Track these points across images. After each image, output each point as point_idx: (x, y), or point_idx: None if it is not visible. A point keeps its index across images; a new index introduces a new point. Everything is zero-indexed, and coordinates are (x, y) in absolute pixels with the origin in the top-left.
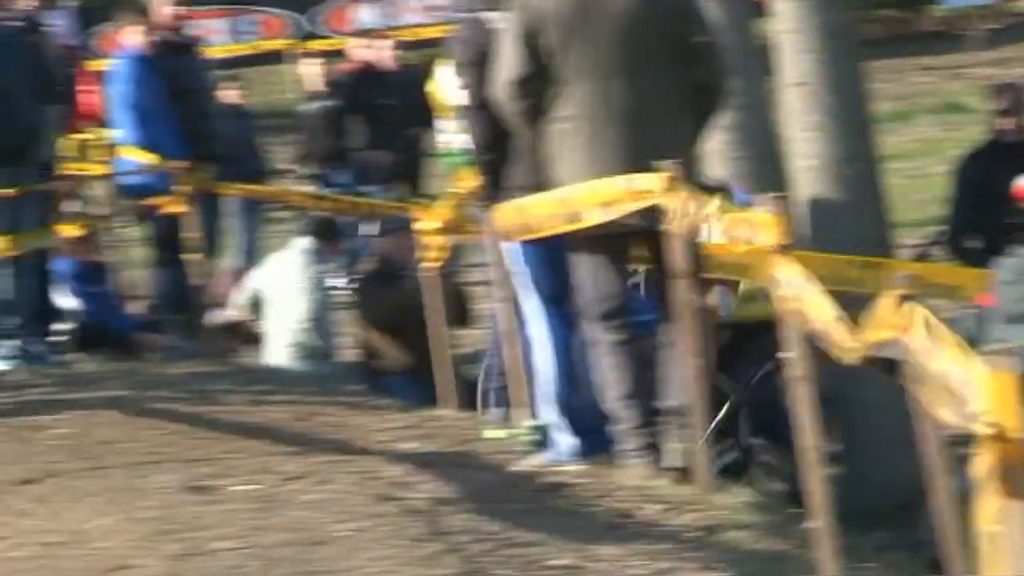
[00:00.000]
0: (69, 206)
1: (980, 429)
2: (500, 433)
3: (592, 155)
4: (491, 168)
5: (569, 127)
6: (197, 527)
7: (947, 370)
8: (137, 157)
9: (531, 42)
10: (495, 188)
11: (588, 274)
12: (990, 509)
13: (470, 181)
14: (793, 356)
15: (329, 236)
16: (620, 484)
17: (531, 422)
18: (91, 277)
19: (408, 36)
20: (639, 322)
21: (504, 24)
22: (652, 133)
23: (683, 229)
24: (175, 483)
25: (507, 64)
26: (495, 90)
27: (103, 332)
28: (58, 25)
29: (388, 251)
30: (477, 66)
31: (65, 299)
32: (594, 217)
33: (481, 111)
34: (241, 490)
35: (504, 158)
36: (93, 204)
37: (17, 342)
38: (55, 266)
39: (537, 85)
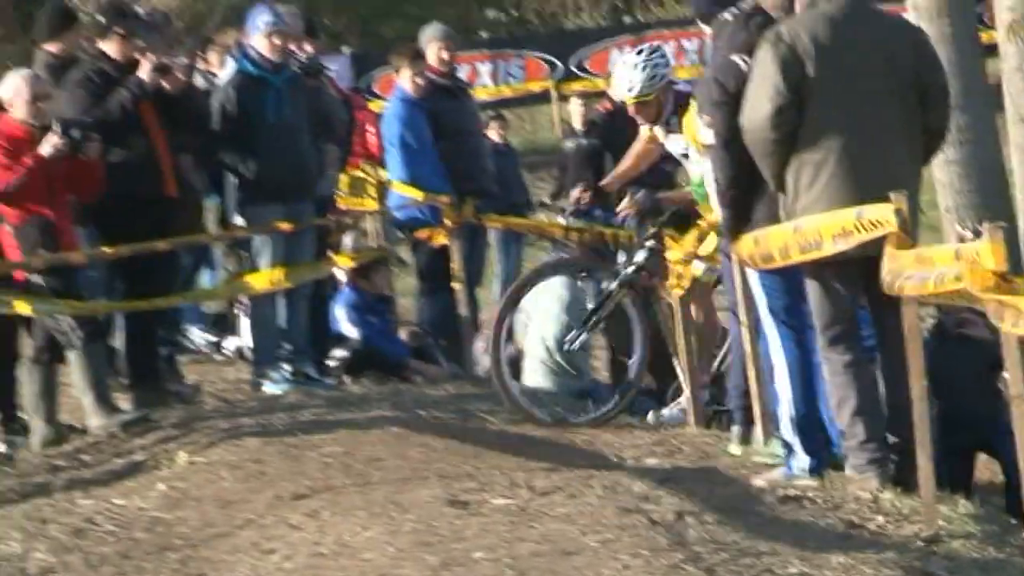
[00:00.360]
0: (345, 239)
1: None
2: (740, 450)
3: (837, 185)
4: (735, 202)
5: (818, 157)
6: (456, 539)
7: None
8: (406, 193)
9: (789, 74)
10: (737, 220)
11: (821, 299)
12: None
13: (713, 214)
14: (1014, 376)
15: (584, 265)
16: (850, 496)
17: (770, 440)
18: (370, 307)
19: None
20: (867, 345)
21: (755, 63)
22: (891, 166)
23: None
24: (436, 498)
25: (766, 95)
26: (747, 123)
27: (377, 358)
28: (335, 70)
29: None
30: (724, 105)
31: (346, 327)
32: (829, 247)
33: (727, 148)
34: (498, 504)
35: (746, 192)
36: (367, 238)
37: (290, 367)
38: (340, 296)
39: (792, 116)
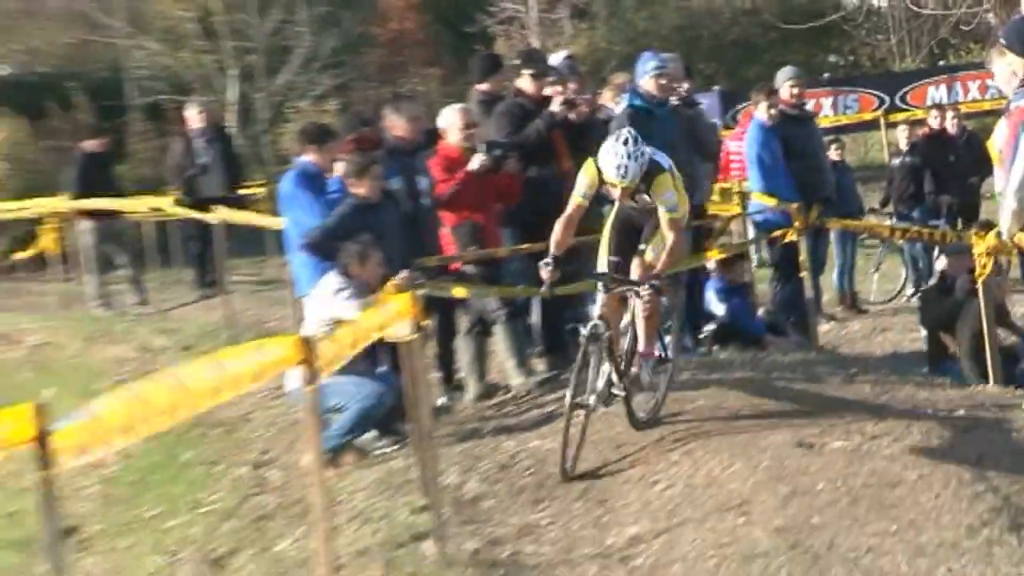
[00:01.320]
0: (717, 237)
1: None
2: None
3: None
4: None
5: None
6: (802, 473)
7: None
8: (764, 201)
9: None
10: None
11: None
12: None
13: (1014, 221)
14: None
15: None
16: None
17: None
18: (734, 291)
19: (969, 108)
20: None
21: None
22: None
23: None
24: (786, 441)
25: None
26: None
27: (739, 332)
28: (707, 104)
29: (949, 268)
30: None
31: (715, 306)
32: None
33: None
34: (837, 445)
35: None
36: (732, 236)
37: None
38: (710, 282)
39: None
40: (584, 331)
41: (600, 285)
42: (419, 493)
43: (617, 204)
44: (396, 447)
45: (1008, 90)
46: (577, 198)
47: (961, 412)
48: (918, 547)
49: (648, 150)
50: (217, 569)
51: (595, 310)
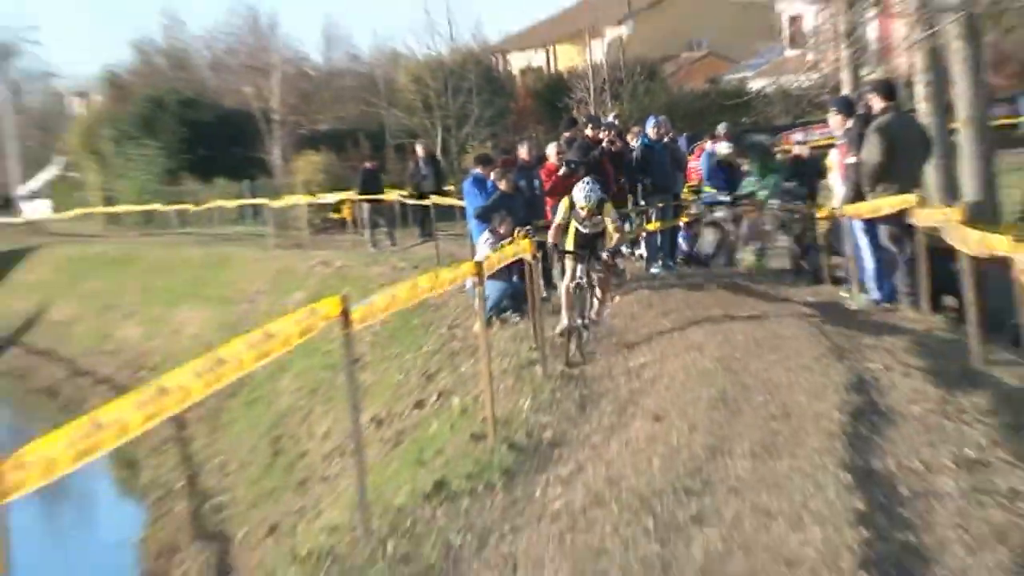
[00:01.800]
0: (684, 210)
1: None
2: (850, 296)
3: (893, 191)
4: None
5: (889, 178)
6: (729, 330)
7: None
8: (708, 191)
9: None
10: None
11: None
12: None
13: (842, 201)
14: None
15: None
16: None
17: (859, 292)
18: (691, 238)
19: (816, 143)
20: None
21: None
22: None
23: None
24: (720, 312)
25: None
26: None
27: (693, 259)
28: (680, 142)
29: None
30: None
31: (683, 245)
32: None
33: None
34: (746, 314)
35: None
36: (691, 209)
37: (659, 261)
38: (680, 233)
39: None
40: (574, 283)
41: (575, 258)
42: (532, 341)
43: (577, 222)
44: (519, 317)
45: (837, 133)
46: (559, 219)
47: (811, 299)
48: (790, 368)
49: (598, 189)
50: (428, 380)
51: (578, 272)
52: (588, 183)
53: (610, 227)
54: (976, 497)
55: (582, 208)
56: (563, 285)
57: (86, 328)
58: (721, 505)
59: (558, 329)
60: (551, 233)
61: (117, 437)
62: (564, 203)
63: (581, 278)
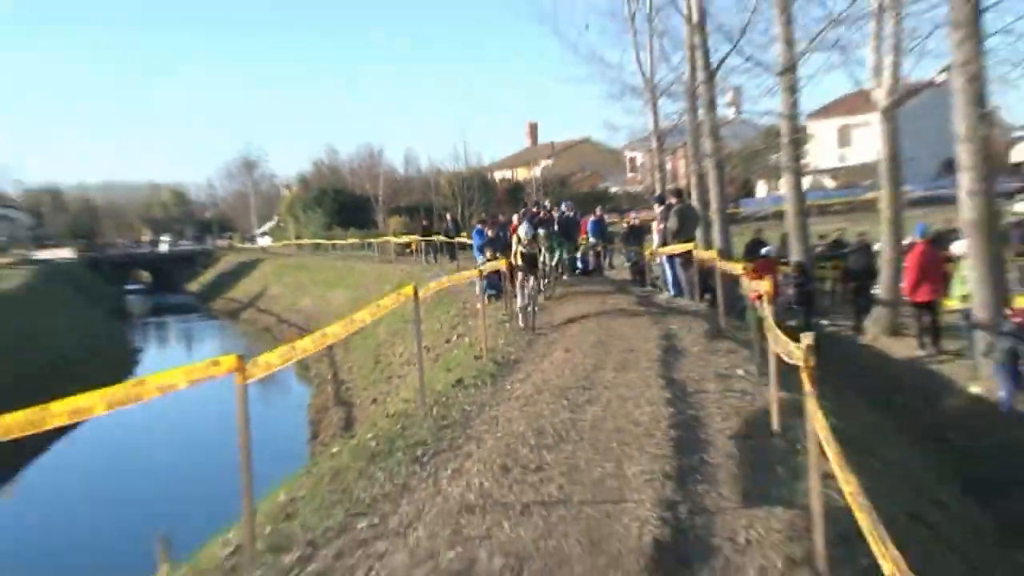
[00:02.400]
0: (580, 247)
1: None
2: (665, 295)
3: (679, 241)
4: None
5: (682, 238)
6: (608, 312)
7: None
8: (592, 239)
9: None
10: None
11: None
12: None
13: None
14: None
15: None
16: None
17: (665, 291)
18: (584, 258)
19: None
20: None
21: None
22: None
23: None
24: (602, 300)
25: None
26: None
27: (589, 271)
28: (570, 206)
29: (640, 259)
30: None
31: (581, 263)
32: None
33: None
34: (614, 302)
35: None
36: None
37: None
38: (579, 256)
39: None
40: (521, 282)
41: (523, 269)
42: (504, 311)
43: (522, 246)
44: (498, 299)
45: (656, 213)
46: (514, 247)
47: (642, 295)
48: (634, 326)
49: (534, 229)
50: (452, 329)
51: (530, 280)
52: (525, 227)
53: (544, 247)
54: (724, 393)
55: (523, 238)
56: (518, 283)
57: (285, 299)
58: (600, 394)
59: (517, 306)
60: (512, 255)
61: (302, 353)
62: (516, 237)
63: (527, 279)
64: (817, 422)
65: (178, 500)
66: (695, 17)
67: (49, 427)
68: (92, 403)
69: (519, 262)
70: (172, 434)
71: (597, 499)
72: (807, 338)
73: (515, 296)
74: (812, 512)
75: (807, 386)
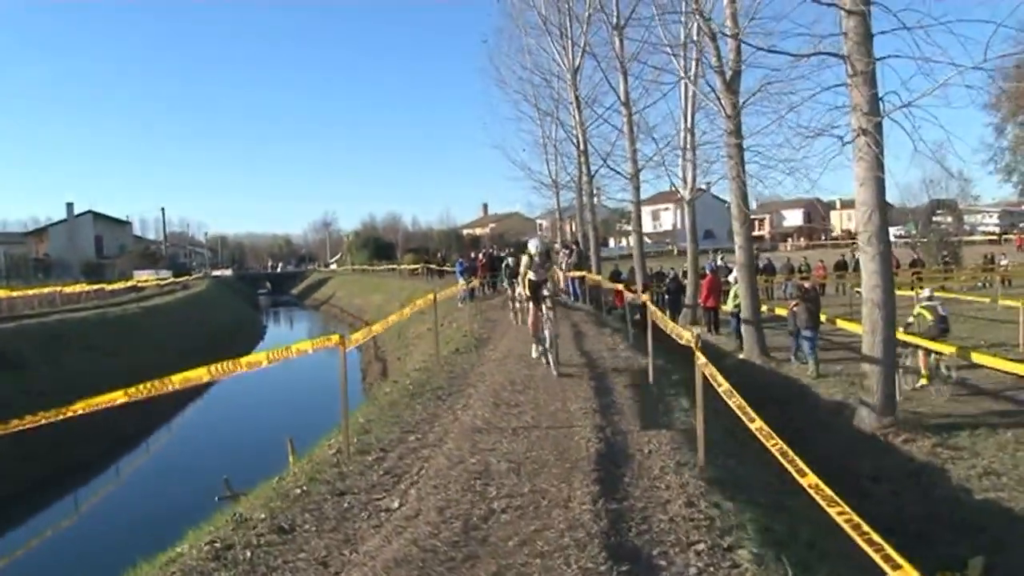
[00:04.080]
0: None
1: None
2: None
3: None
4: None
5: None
6: (572, 324)
7: None
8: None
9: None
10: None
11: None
12: None
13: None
14: None
15: None
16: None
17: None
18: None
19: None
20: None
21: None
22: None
23: None
24: (570, 322)
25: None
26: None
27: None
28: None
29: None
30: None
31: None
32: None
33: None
34: (580, 318)
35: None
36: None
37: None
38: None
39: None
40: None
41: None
42: (475, 309)
43: (531, 271)
44: (471, 302)
45: (563, 254)
46: (526, 270)
47: (566, 305)
48: (563, 324)
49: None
50: (446, 317)
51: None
52: (537, 242)
53: (557, 271)
54: (614, 357)
55: (534, 255)
56: (531, 318)
57: (345, 300)
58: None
59: (535, 352)
60: (520, 281)
61: (374, 333)
62: (524, 261)
63: (541, 309)
64: (699, 374)
65: (294, 421)
66: (582, 146)
67: (169, 391)
68: (200, 374)
69: (529, 291)
70: (288, 383)
71: (556, 425)
72: (694, 329)
73: (536, 334)
74: (697, 431)
75: (699, 356)
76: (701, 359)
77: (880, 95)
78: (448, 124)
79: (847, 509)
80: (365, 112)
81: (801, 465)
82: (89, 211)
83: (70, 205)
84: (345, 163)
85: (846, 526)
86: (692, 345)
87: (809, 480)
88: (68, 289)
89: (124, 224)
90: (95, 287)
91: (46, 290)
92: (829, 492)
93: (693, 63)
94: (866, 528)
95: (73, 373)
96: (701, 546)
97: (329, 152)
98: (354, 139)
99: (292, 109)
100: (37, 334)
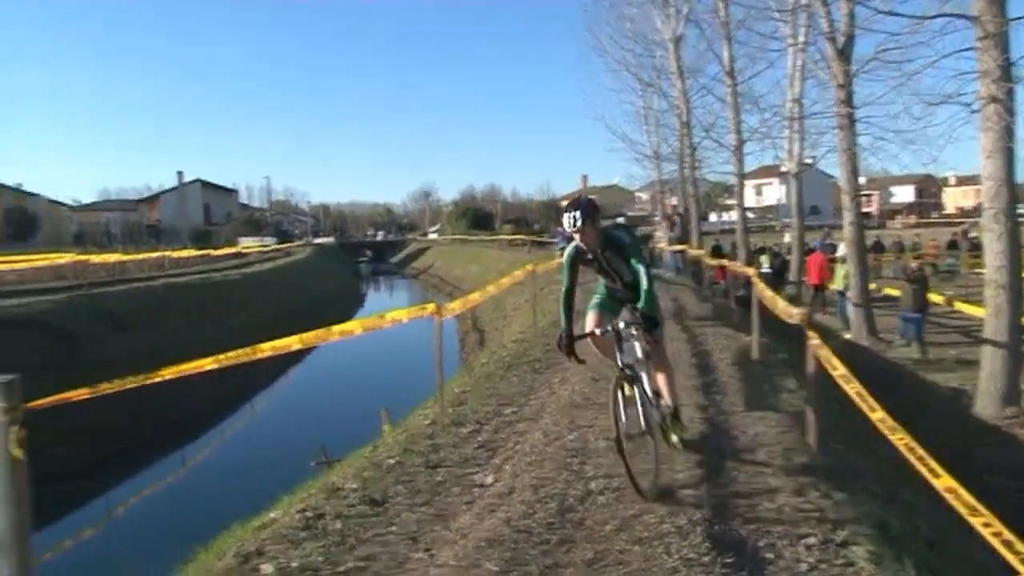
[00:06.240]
0: None
1: None
2: None
3: None
4: None
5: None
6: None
7: None
8: None
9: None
10: None
11: None
12: None
13: None
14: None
15: None
16: None
17: None
18: None
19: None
20: None
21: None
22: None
23: None
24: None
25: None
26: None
27: None
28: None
29: None
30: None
31: None
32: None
33: None
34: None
35: None
36: None
37: None
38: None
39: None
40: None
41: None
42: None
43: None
44: None
45: (664, 227)
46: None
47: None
48: (662, 298)
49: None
50: (535, 297)
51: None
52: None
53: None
54: (716, 333)
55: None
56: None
57: (444, 269)
58: None
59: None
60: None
61: (462, 306)
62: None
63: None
64: (810, 355)
65: (392, 387)
66: (684, 117)
67: (257, 357)
68: (290, 342)
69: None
70: (390, 351)
71: None
72: (803, 308)
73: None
74: (807, 415)
75: (812, 336)
76: (815, 339)
77: (1012, 60)
78: (548, 94)
79: (993, 519)
80: (465, 84)
81: (934, 465)
82: (198, 180)
83: (180, 173)
84: (445, 133)
85: (994, 540)
86: (803, 324)
87: (944, 483)
88: (176, 254)
89: (231, 192)
90: (201, 252)
91: (155, 255)
92: (969, 498)
93: (803, 29)
94: (1017, 544)
95: (176, 334)
96: (812, 539)
97: (430, 122)
98: (454, 109)
99: (394, 80)
100: (144, 297)
